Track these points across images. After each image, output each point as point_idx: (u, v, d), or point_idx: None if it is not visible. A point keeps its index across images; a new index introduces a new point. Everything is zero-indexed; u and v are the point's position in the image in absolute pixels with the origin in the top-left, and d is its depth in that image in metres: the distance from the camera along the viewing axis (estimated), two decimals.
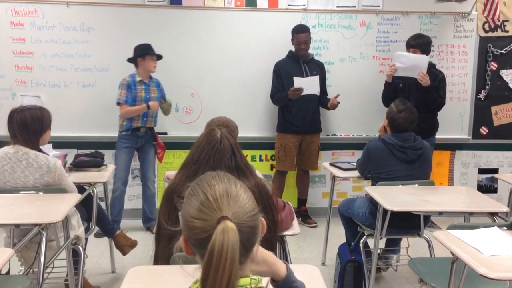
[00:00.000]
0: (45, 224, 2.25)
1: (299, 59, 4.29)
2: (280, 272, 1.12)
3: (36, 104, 2.85)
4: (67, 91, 4.37)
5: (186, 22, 4.40)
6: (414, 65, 3.82)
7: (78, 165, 3.28)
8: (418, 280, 2.92)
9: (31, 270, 2.51)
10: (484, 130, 4.84)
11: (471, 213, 2.77)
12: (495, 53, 4.72)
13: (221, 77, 4.49)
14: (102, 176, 3.19)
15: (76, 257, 2.67)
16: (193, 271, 1.04)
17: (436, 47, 4.58)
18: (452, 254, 1.99)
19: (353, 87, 4.61)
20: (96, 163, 3.32)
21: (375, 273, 2.94)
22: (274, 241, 1.82)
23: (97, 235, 3.79)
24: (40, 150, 2.65)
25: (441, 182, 4.83)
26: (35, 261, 2.44)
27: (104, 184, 3.36)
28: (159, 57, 4.02)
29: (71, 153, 3.42)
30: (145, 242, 3.86)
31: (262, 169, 4.55)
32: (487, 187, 4.94)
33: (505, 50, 4.72)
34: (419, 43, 3.87)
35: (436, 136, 4.15)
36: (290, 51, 4.34)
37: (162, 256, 1.71)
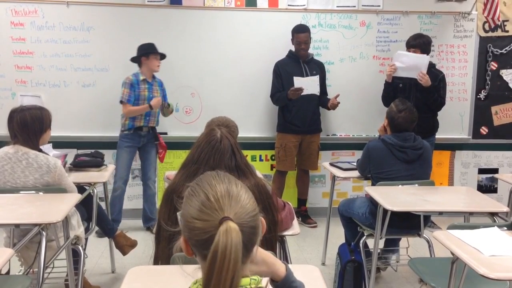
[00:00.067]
0: (45, 224, 2.25)
1: (299, 59, 4.29)
2: (280, 272, 1.12)
3: (36, 104, 2.85)
4: (67, 91, 4.37)
5: (186, 22, 4.40)
6: (414, 64, 3.82)
7: (78, 165, 3.28)
8: (418, 280, 2.92)
9: (31, 270, 2.51)
10: (484, 130, 4.84)
11: (471, 213, 2.77)
12: (495, 53, 4.72)
13: (221, 77, 4.49)
14: (102, 176, 3.19)
15: (76, 257, 2.67)
16: (193, 271, 1.04)
17: (436, 47, 4.58)
18: (452, 254, 1.99)
19: (353, 87, 4.61)
20: (96, 163, 3.32)
21: (375, 273, 2.94)
22: (274, 241, 1.82)
23: (99, 235, 3.79)
24: (40, 150, 2.65)
25: (441, 182, 4.83)
26: (35, 261, 2.44)
27: (104, 184, 3.36)
28: (162, 57, 4.03)
29: (71, 153, 3.42)
30: (145, 242, 3.86)
31: (262, 169, 4.55)
32: (487, 187, 4.94)
33: (505, 50, 4.72)
34: (419, 43, 3.87)
35: (436, 136, 4.15)
36: (290, 51, 4.33)
37: (162, 256, 1.71)
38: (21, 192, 2.54)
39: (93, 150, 3.49)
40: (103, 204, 3.47)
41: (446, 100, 4.04)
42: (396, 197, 2.70)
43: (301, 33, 4.23)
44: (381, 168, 3.04)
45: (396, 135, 3.05)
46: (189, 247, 1.01)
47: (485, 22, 4.62)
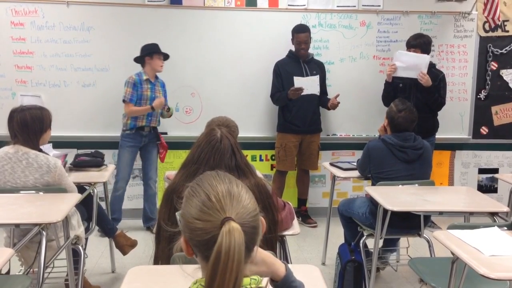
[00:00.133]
0: (45, 224, 2.25)
1: (299, 59, 4.29)
2: (279, 272, 1.12)
3: (36, 104, 2.85)
4: (67, 91, 4.37)
5: (186, 22, 4.40)
6: (415, 64, 3.82)
7: (78, 165, 3.28)
8: (418, 280, 2.91)
9: (31, 270, 2.51)
10: (484, 130, 4.84)
11: (471, 213, 2.77)
12: (495, 53, 4.72)
13: (221, 77, 4.49)
14: (102, 176, 3.19)
15: (76, 257, 2.67)
16: (193, 271, 1.04)
17: (436, 47, 4.58)
18: (452, 254, 1.99)
19: (353, 87, 4.61)
20: (96, 163, 3.32)
21: (375, 273, 2.94)
22: (274, 241, 1.82)
23: (101, 234, 3.79)
24: (40, 150, 2.65)
25: (441, 182, 4.83)
26: (35, 261, 2.44)
27: (104, 184, 3.36)
28: (166, 57, 4.03)
29: (71, 153, 3.42)
30: (145, 242, 3.85)
31: (262, 169, 4.55)
32: (487, 187, 4.94)
33: (505, 50, 4.72)
34: (420, 43, 3.87)
35: (436, 136, 4.15)
36: (290, 51, 4.33)
37: (162, 256, 1.71)
38: (21, 192, 2.54)
39: (93, 150, 3.49)
40: (103, 204, 3.47)
41: (446, 100, 4.04)
42: (396, 197, 2.70)
43: (301, 33, 4.23)
44: (381, 168, 3.04)
45: (396, 135, 3.05)
46: (190, 248, 1.01)
47: (485, 22, 4.62)
